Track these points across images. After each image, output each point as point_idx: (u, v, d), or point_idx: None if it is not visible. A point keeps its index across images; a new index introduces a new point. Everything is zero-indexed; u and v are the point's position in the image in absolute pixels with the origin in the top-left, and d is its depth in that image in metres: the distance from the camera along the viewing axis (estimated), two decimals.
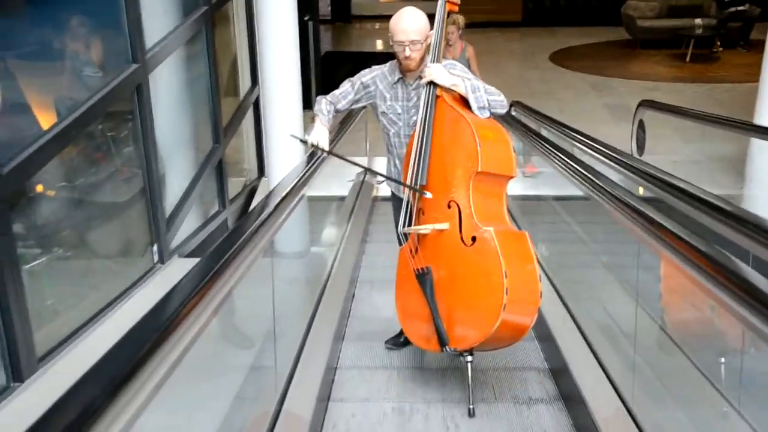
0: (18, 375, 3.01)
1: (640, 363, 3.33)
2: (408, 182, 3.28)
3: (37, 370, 3.11)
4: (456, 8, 3.47)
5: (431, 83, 3.28)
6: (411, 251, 3.33)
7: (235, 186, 7.30)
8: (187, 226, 5.55)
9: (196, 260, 2.37)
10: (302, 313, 4.03)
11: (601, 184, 3.56)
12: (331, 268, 4.98)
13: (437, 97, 3.27)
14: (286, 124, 6.63)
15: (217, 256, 2.33)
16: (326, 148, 3.47)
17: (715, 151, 8.51)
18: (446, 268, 3.19)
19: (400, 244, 3.48)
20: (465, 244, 3.08)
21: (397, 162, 3.58)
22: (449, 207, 3.15)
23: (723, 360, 3.04)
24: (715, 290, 2.20)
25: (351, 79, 3.61)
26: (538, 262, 3.17)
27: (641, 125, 8.51)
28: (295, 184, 3.69)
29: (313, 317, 3.99)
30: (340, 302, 4.40)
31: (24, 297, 3.03)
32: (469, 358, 3.20)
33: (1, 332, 2.96)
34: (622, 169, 4.57)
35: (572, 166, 4.12)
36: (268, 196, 3.62)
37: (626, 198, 3.23)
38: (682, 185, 3.72)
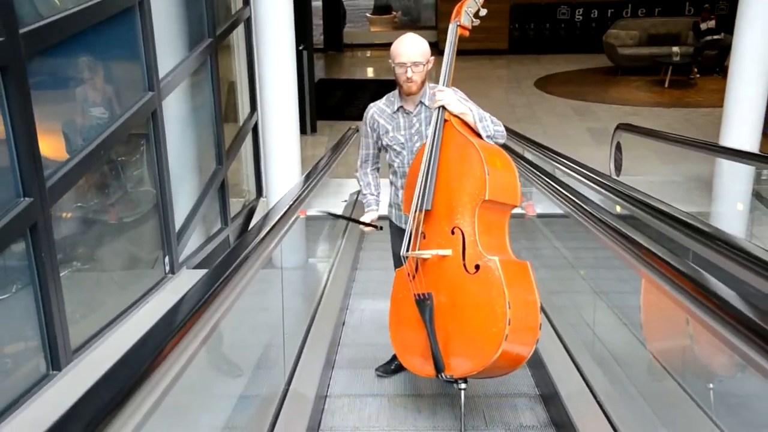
0: (56, 364, 3.41)
1: (630, 389, 3.36)
2: (412, 206, 3.24)
3: (72, 360, 3.52)
4: (467, 33, 3.43)
5: (441, 107, 3.26)
6: (410, 275, 3.26)
7: (235, 206, 7.72)
8: (193, 242, 5.98)
9: (203, 271, 2.59)
10: (292, 340, 3.98)
11: (579, 202, 3.73)
12: (323, 290, 4.99)
13: (445, 121, 3.25)
14: (285, 147, 7.05)
15: (223, 268, 2.50)
16: (375, 224, 3.59)
17: (690, 172, 8.94)
18: (447, 295, 3.13)
19: (397, 266, 3.45)
20: (468, 271, 3.03)
21: (400, 193, 3.55)
22: (453, 233, 3.11)
23: (711, 386, 2.96)
24: (682, 298, 2.35)
25: (359, 131, 3.69)
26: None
27: (618, 147, 9.00)
28: (292, 204, 3.90)
29: (303, 344, 3.97)
30: (330, 329, 4.39)
31: (62, 296, 3.45)
32: (463, 386, 3.15)
33: (43, 327, 3.37)
34: (600, 189, 4.81)
35: (553, 186, 4.33)
36: (266, 215, 3.88)
37: (601, 215, 3.38)
38: (653, 203, 3.92)
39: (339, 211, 7.47)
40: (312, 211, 5.54)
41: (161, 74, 4.98)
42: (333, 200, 7.56)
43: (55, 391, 3.33)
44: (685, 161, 8.85)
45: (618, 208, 4.47)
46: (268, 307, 4.09)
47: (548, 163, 6.28)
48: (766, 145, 8.37)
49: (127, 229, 5.09)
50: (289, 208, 3.82)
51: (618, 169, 8.96)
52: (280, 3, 6.73)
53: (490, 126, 3.28)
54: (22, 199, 3.18)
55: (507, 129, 3.43)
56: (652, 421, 3.03)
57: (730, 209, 7.47)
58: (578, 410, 3.25)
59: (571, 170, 5.56)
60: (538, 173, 4.79)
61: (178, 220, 5.48)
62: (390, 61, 3.38)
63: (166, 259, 5.07)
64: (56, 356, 3.41)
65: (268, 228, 3.27)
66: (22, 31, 3.14)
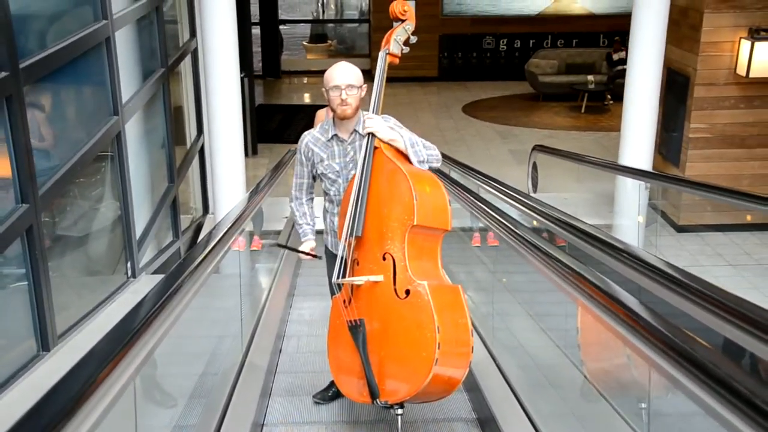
0: (45, 346, 4.02)
1: (566, 410, 3.44)
2: (344, 233, 3.26)
3: (57, 343, 4.13)
4: (397, 60, 3.48)
5: (370, 134, 3.28)
6: (344, 302, 3.28)
7: (184, 222, 8.32)
8: (148, 252, 6.59)
9: (160, 276, 3.04)
10: (228, 368, 3.97)
11: (498, 217, 4.01)
12: (259, 317, 4.97)
13: (375, 148, 3.27)
14: (231, 167, 7.71)
15: (177, 274, 2.78)
16: (314, 254, 3.62)
17: (598, 189, 9.83)
18: (379, 321, 3.14)
19: (332, 294, 3.44)
20: (399, 296, 3.05)
21: (335, 220, 3.57)
22: (384, 259, 3.13)
23: (644, 405, 2.97)
24: (584, 300, 2.63)
25: (295, 159, 3.67)
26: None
27: (534, 167, 9.90)
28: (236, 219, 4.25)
29: (239, 372, 3.93)
30: (267, 356, 4.40)
31: (50, 286, 4.07)
32: (399, 411, 3.14)
33: (35, 314, 3.98)
34: (517, 205, 5.10)
35: (474, 202, 4.67)
36: (213, 229, 4.17)
37: (515, 227, 3.66)
38: (561, 216, 4.20)
39: (281, 227, 8.11)
40: (264, 243, 6.01)
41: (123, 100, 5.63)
42: (273, 216, 8.18)
43: (45, 368, 3.94)
44: (595, 179, 9.73)
45: (534, 222, 4.74)
46: (203, 335, 4.18)
47: (472, 182, 7.01)
48: (659, 162, 9.39)
49: (92, 240, 5.69)
50: (238, 218, 4.31)
51: (534, 186, 9.86)
52: (225, 35, 7.40)
53: (422, 151, 3.30)
54: (20, 205, 3.80)
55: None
56: None
57: (629, 221, 8.37)
58: None
59: (492, 188, 5.94)
60: (462, 191, 5.19)
61: (137, 231, 6.09)
62: (323, 89, 3.41)
63: (129, 264, 5.68)
64: (45, 339, 4.01)
65: (219, 236, 3.63)
66: (22, 65, 3.78)
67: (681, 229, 8.99)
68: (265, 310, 5.13)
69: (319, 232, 3.73)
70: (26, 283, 3.99)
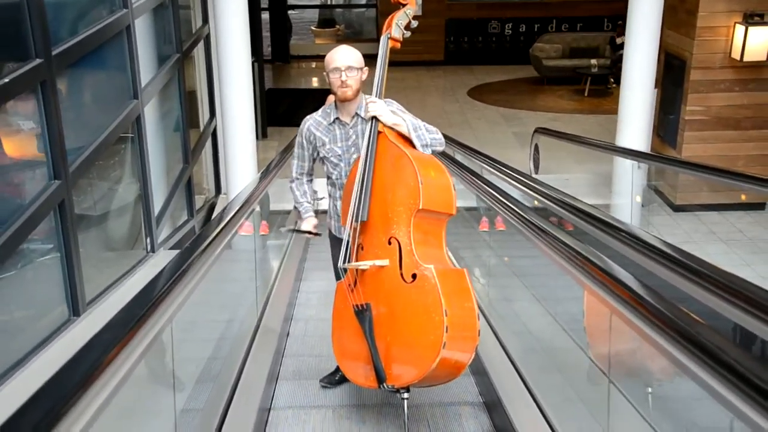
0: (76, 311, 4.37)
1: (571, 394, 3.44)
2: (349, 218, 3.26)
3: (86, 309, 4.48)
4: (399, 45, 3.49)
5: (374, 119, 3.29)
6: (349, 286, 3.28)
7: (197, 202, 8.68)
8: (165, 230, 6.94)
9: (176, 252, 3.22)
10: (235, 351, 4.00)
11: (499, 196, 4.15)
12: (267, 300, 5.00)
13: (379, 132, 3.27)
14: (243, 149, 8.05)
15: (193, 248, 2.98)
16: (316, 231, 3.66)
17: (600, 170, 10.12)
18: (386, 305, 3.14)
19: (338, 278, 3.44)
20: (405, 281, 3.05)
21: (338, 204, 3.57)
22: (390, 243, 3.13)
23: (650, 390, 3.00)
24: (583, 278, 2.72)
25: (296, 142, 3.69)
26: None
27: (536, 149, 10.20)
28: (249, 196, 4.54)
29: (246, 356, 3.96)
30: (275, 340, 4.41)
31: (80, 257, 4.42)
32: (406, 395, 3.15)
33: (67, 282, 4.33)
34: (518, 185, 5.27)
35: (477, 182, 4.85)
36: (225, 208, 4.46)
37: (515, 206, 3.76)
38: (559, 196, 4.33)
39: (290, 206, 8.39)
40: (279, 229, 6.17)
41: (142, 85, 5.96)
42: (283, 197, 8.47)
43: (75, 331, 4.29)
44: (595, 161, 10.02)
45: (535, 202, 4.85)
46: (211, 320, 4.21)
47: (475, 164, 7.16)
48: (657, 144, 9.68)
49: (114, 217, 6.05)
50: (250, 195, 4.62)
51: (536, 167, 10.16)
52: (237, 20, 7.71)
53: (425, 135, 3.30)
54: (53, 181, 4.15)
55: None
56: (592, 426, 3.05)
57: (626, 201, 8.67)
58: (520, 417, 3.32)
59: (494, 169, 6.20)
60: (464, 172, 5.36)
61: (155, 210, 6.44)
62: (324, 72, 3.45)
63: (148, 240, 6.04)
64: (76, 306, 4.37)
65: (231, 214, 3.84)
66: (54, 53, 4.11)
67: (678, 208, 9.28)
68: (273, 293, 5.16)
69: (323, 212, 3.78)
70: (57, 255, 4.35)
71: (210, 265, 3.16)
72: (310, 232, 3.66)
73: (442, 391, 3.73)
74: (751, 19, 8.30)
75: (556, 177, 9.64)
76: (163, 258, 6.13)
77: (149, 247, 6.05)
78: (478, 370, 3.87)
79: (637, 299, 2.30)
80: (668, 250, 3.01)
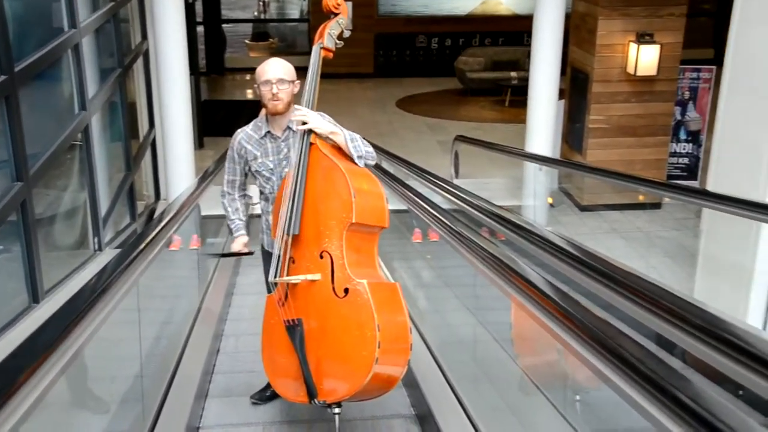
0: (36, 298, 4.92)
1: (501, 404, 3.53)
2: (279, 231, 3.20)
3: (44, 297, 5.03)
4: (331, 55, 3.43)
5: (306, 131, 3.21)
6: (280, 301, 3.22)
7: (139, 207, 9.20)
8: (109, 233, 7.47)
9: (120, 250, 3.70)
10: (162, 371, 3.95)
11: (418, 200, 4.47)
12: (196, 316, 4.98)
13: (311, 144, 3.21)
14: (183, 157, 8.61)
15: (135, 245, 3.33)
16: (247, 250, 3.62)
17: (517, 174, 10.93)
18: (317, 320, 3.09)
19: (269, 292, 3.36)
20: (337, 295, 3.01)
21: (270, 218, 3.51)
22: (322, 257, 3.08)
23: (578, 397, 3.00)
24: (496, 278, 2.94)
25: (227, 156, 3.64)
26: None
27: (456, 155, 11.01)
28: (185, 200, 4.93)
29: (173, 375, 3.92)
30: (203, 357, 4.35)
31: (39, 252, 4.96)
32: (337, 410, 3.10)
33: (27, 272, 4.88)
34: (437, 189, 5.72)
35: (399, 188, 5.09)
36: (164, 210, 4.91)
37: (432, 208, 4.01)
38: (471, 198, 4.79)
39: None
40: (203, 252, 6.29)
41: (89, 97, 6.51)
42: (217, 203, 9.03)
43: (35, 315, 4.83)
44: (512, 166, 10.82)
45: (455, 205, 5.19)
46: (136, 336, 4.11)
47: (400, 171, 7.42)
48: (566, 150, 10.59)
49: (63, 219, 6.56)
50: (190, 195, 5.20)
51: (456, 172, 10.96)
52: (175, 37, 8.27)
53: (361, 146, 3.25)
54: (16, 183, 4.70)
55: (371, 143, 3.41)
56: None
57: (538, 202, 9.51)
58: (450, 428, 3.36)
59: (417, 175, 6.69)
60: (389, 178, 5.49)
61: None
62: (255, 85, 3.40)
63: (96, 239, 6.57)
64: (36, 293, 4.92)
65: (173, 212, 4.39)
66: (16, 69, 4.68)
67: (584, 208, 10.16)
68: (203, 308, 5.14)
69: (258, 216, 3.77)
70: (18, 251, 4.89)
71: (150, 261, 3.39)
72: (240, 254, 3.64)
73: (374, 405, 3.68)
74: (642, 38, 9.27)
75: (474, 181, 10.44)
76: (108, 256, 6.67)
77: (97, 246, 6.58)
78: (410, 382, 3.88)
79: (525, 282, 2.57)
80: (560, 243, 3.40)
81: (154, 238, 3.58)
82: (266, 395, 3.82)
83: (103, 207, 7.16)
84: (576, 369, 2.42)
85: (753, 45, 5.39)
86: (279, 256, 3.20)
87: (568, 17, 9.82)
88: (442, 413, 3.46)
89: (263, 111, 3.55)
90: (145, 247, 3.34)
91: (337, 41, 3.45)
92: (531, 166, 9.35)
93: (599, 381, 2.03)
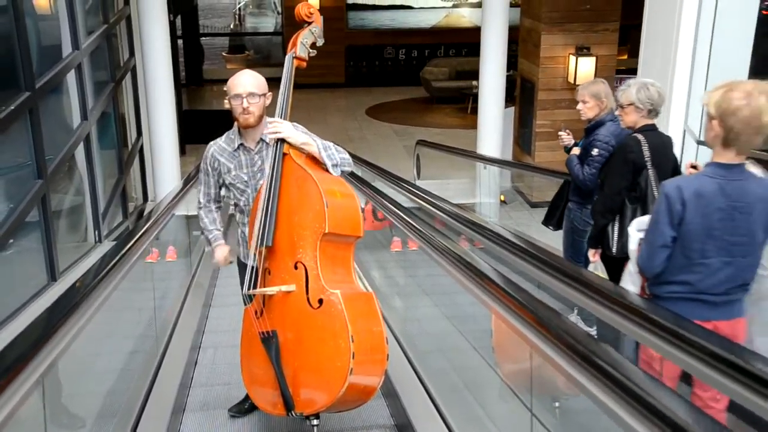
0: (53, 277, 5.87)
1: (481, 413, 3.52)
2: (253, 242, 3.17)
3: (61, 275, 5.98)
4: (304, 64, 3.40)
5: (279, 141, 3.17)
6: (256, 313, 3.20)
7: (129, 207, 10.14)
8: (105, 228, 8.40)
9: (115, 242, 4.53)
10: (138, 383, 3.89)
11: (381, 200, 4.90)
12: (173, 327, 4.96)
13: (285, 155, 3.17)
14: (169, 162, 9.58)
15: (127, 239, 3.90)
16: (229, 261, 3.60)
17: (472, 175, 11.90)
18: (292, 331, 3.07)
19: (245, 304, 3.34)
20: (312, 306, 2.98)
21: (245, 230, 3.46)
22: (296, 268, 3.05)
23: (557, 404, 3.02)
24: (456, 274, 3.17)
25: (201, 169, 3.58)
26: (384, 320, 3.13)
27: (418, 158, 12.03)
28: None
29: (150, 388, 3.86)
30: (180, 370, 4.28)
31: (56, 239, 5.91)
32: (315, 422, 3.10)
33: (46, 256, 5.82)
34: (401, 190, 6.39)
35: (365, 190, 5.49)
36: (151, 210, 5.70)
37: (392, 206, 4.38)
38: (429, 197, 5.31)
39: None
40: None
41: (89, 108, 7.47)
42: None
43: (52, 293, 5.76)
44: (470, 167, 11.85)
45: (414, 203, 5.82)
46: (112, 351, 4.13)
47: (368, 174, 8.15)
48: (518, 152, 11.66)
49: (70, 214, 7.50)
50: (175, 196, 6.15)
51: (418, 174, 11.97)
52: (162, 53, 9.26)
53: (335, 154, 3.20)
54: (38, 180, 5.65)
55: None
56: None
57: (491, 200, 10.52)
58: None
59: (383, 176, 7.53)
60: (357, 182, 5.73)
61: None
62: (226, 98, 3.35)
63: (96, 232, 7.52)
64: (54, 272, 5.86)
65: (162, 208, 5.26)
66: (37, 85, 5.64)
67: (534, 205, 11.16)
68: (180, 321, 5.12)
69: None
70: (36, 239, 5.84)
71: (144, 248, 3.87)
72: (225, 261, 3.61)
73: (354, 416, 3.67)
74: (580, 51, 10.38)
75: (435, 182, 11.42)
76: (106, 247, 7.61)
77: (97, 238, 7.53)
78: (389, 392, 3.87)
79: (479, 274, 2.79)
80: (507, 235, 3.74)
81: (128, 249, 3.74)
82: (245, 407, 3.78)
83: (101, 206, 8.11)
84: (556, 376, 2.37)
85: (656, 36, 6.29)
86: (254, 268, 3.19)
87: (516, 31, 10.91)
88: (421, 423, 3.48)
89: (236, 123, 3.52)
90: (122, 255, 3.52)
91: (310, 50, 3.45)
92: (480, 167, 10.40)
93: (578, 388, 2.08)
